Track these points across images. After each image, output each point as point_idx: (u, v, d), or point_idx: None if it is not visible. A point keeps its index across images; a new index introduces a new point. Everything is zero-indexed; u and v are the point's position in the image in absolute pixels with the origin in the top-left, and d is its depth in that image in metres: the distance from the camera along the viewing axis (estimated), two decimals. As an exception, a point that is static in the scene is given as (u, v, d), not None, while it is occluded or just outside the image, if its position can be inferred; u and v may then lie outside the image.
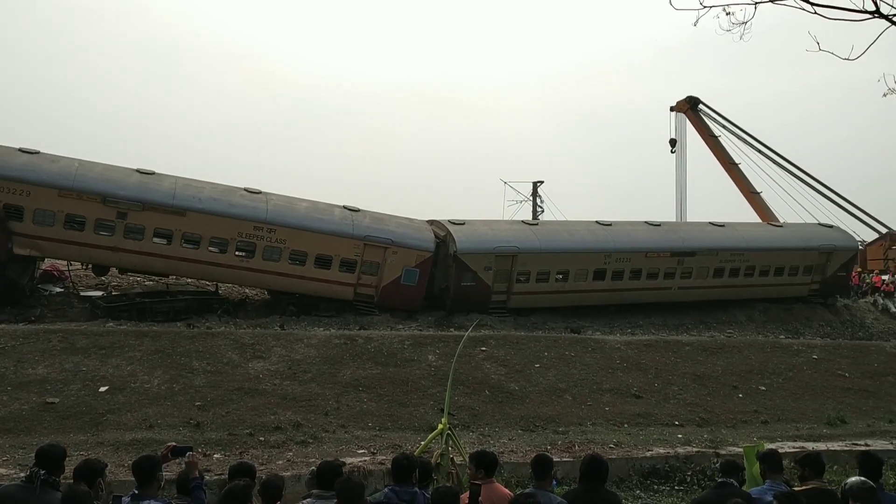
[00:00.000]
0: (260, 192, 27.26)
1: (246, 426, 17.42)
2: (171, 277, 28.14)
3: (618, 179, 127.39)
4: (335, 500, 5.60)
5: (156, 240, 25.34)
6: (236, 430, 17.20)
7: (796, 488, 6.59)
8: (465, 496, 6.23)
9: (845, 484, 6.21)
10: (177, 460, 6.86)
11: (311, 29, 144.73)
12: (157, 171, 26.38)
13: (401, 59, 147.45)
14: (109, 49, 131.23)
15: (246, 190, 27.13)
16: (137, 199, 24.86)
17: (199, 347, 21.00)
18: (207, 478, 12.98)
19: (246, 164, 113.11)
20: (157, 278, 28.23)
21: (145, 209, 24.89)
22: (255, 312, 27.28)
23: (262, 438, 16.93)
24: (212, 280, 27.69)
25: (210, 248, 25.85)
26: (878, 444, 18.25)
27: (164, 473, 6.42)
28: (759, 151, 50.07)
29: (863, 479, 6.32)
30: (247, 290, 29.56)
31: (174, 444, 6.93)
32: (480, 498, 6.04)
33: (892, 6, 10.84)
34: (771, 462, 7.20)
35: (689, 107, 51.84)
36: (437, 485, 7.04)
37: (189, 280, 28.33)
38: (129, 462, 13.65)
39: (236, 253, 26.14)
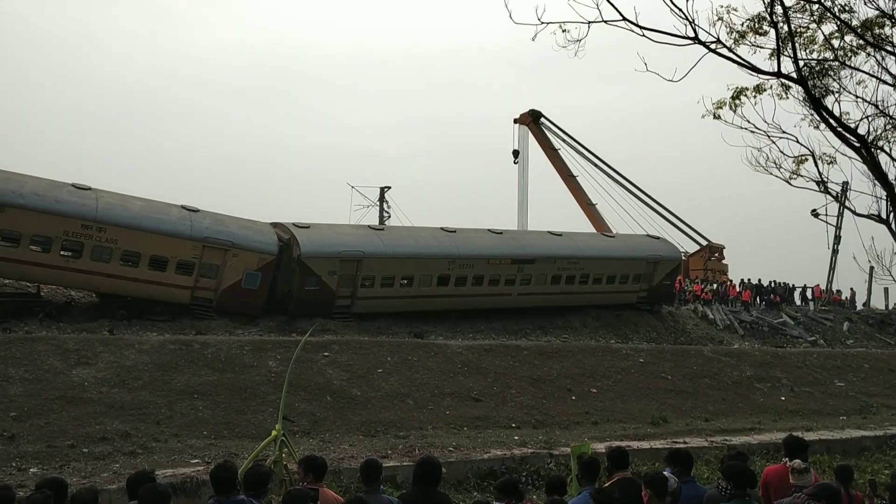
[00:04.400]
0: (89, 189, 25.67)
1: (68, 437, 16.31)
2: (-15, 278, 25.95)
3: (463, 188, 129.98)
4: None
5: (-33, 237, 23.31)
6: (56, 441, 16.07)
7: (606, 483, 6.96)
8: None
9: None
10: None
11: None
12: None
13: (227, 24, 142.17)
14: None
15: (74, 186, 25.46)
16: (-54, 191, 22.82)
17: (16, 353, 19.45)
18: (21, 493, 12.10)
19: (64, 158, 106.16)
20: (-32, 279, 25.94)
21: (-44, 203, 22.83)
22: (81, 316, 25.62)
23: (85, 450, 15.90)
24: (33, 281, 25.78)
25: (32, 247, 24.07)
26: (695, 442, 19.57)
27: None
28: (596, 165, 52.86)
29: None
30: (73, 293, 27.72)
31: None
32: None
33: (709, 34, 11.78)
34: (588, 471, 7.42)
35: (532, 119, 53.81)
36: (271, 493, 6.86)
37: (7, 281, 26.20)
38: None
39: (61, 252, 24.49)
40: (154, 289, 25.85)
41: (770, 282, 46.89)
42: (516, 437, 19.37)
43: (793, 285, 49.57)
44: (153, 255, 25.55)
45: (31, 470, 14.46)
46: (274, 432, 9.51)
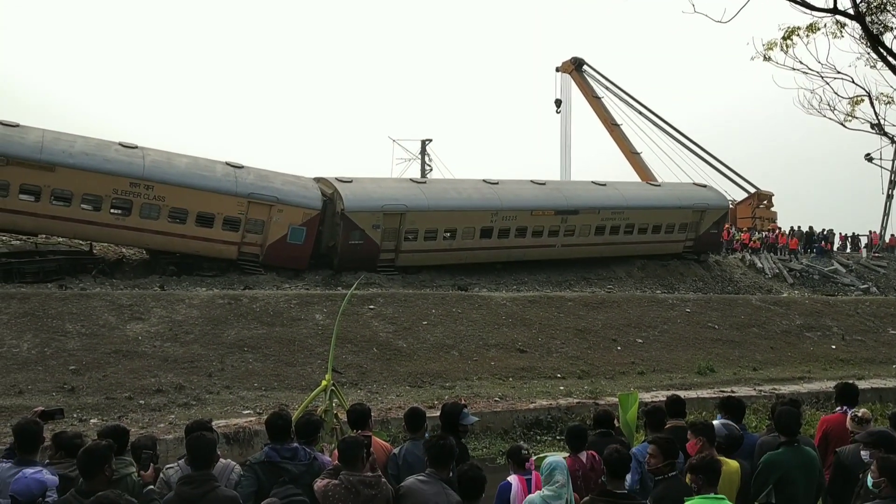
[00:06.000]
0: (136, 147, 26.03)
1: (125, 389, 16.83)
2: (40, 236, 26.59)
3: (505, 139, 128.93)
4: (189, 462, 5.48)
5: (22, 196, 23.86)
6: (114, 393, 16.60)
7: None
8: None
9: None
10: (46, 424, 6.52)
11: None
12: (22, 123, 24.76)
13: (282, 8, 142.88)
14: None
15: (121, 144, 25.85)
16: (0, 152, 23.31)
17: (73, 309, 20.02)
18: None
19: (112, 117, 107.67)
20: (24, 237, 26.61)
21: (9, 163, 23.34)
22: (132, 273, 26.22)
23: (142, 402, 16.41)
24: (85, 239, 26.34)
25: (83, 206, 24.57)
26: (742, 391, 19.46)
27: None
28: (640, 113, 51.84)
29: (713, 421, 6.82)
30: (123, 250, 28.33)
31: (42, 408, 6.61)
32: (372, 450, 6.01)
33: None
34: (652, 420, 7.43)
35: (574, 68, 52.84)
36: (322, 441, 6.99)
37: (60, 239, 26.86)
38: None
39: (111, 211, 24.94)
40: (202, 245, 26.26)
41: (822, 229, 45.86)
42: (562, 388, 19.44)
43: (847, 233, 48.57)
44: (200, 212, 25.90)
45: (91, 421, 14.97)
46: (324, 382, 9.66)
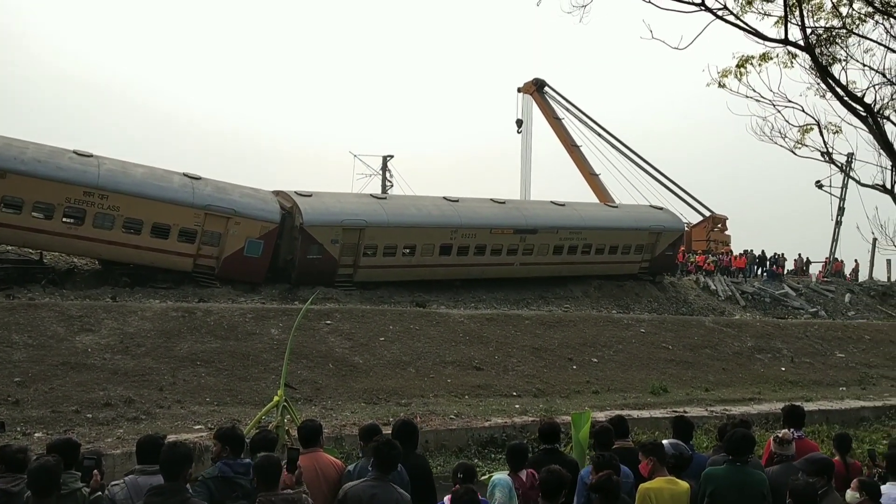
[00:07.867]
0: (91, 156, 25.57)
1: (72, 403, 16.44)
2: (-12, 244, 25.96)
3: (466, 157, 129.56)
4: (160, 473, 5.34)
5: (-30, 203, 23.28)
6: (60, 406, 16.20)
7: None
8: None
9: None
10: None
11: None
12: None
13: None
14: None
15: (75, 152, 25.36)
16: (-53, 158, 22.77)
17: (20, 319, 19.53)
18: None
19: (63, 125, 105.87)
20: (-29, 245, 25.96)
21: (-43, 169, 22.79)
22: (84, 283, 25.65)
23: (89, 415, 16.04)
24: (35, 248, 25.77)
25: (34, 214, 24.02)
26: (694, 411, 19.69)
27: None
28: (599, 135, 52.52)
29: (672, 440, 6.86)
30: (75, 260, 27.76)
31: None
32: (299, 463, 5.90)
33: (716, 0, 11.63)
34: (601, 439, 7.50)
35: (536, 88, 53.39)
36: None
37: (9, 247, 26.23)
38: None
39: (64, 219, 24.44)
40: (156, 256, 25.85)
41: (774, 253, 46.80)
42: (517, 406, 19.49)
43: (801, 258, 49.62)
44: (155, 223, 25.50)
45: (35, 434, 14.59)
46: (276, 398, 9.57)
